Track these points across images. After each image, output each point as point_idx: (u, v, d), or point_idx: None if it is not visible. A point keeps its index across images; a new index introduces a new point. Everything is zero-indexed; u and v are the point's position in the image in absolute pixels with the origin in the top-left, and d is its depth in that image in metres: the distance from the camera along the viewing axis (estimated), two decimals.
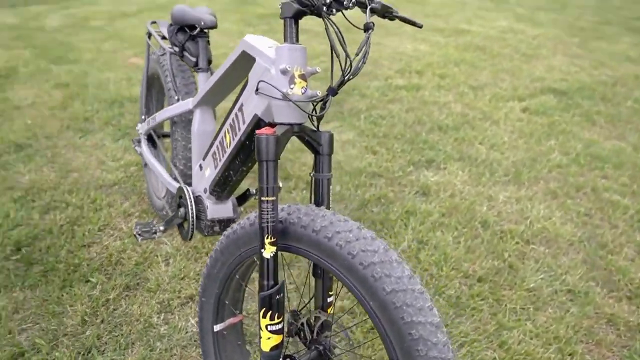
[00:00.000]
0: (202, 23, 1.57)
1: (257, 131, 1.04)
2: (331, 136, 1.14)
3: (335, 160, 2.70)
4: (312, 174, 1.17)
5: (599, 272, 2.01)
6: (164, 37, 1.94)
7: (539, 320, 1.73)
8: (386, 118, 3.26)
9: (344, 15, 1.11)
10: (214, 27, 1.59)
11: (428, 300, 0.93)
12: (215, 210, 1.56)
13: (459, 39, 5.31)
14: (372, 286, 0.93)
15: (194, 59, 1.65)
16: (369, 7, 1.13)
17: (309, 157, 2.73)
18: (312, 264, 1.17)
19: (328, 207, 1.15)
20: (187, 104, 1.64)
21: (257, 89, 1.13)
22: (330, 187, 1.17)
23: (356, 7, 1.13)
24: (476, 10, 6.86)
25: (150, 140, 2.09)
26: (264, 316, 1.03)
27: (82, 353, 1.50)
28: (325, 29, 1.01)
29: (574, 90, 3.99)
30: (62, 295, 1.72)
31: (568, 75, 4.38)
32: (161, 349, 1.54)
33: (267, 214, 1.01)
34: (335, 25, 1.02)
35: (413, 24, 1.30)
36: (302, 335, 1.18)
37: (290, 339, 1.22)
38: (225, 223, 1.58)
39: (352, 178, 2.53)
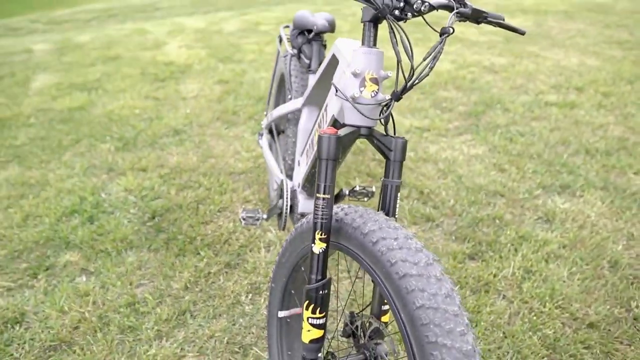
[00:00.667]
0: (316, 27, 1.66)
1: (320, 131, 1.08)
2: (404, 143, 1.12)
3: (457, 174, 2.59)
4: (382, 179, 1.17)
5: None
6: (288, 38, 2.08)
7: None
8: (525, 135, 3.01)
9: (424, 19, 1.09)
10: (326, 31, 1.66)
11: (462, 325, 0.87)
12: (305, 205, 1.64)
13: None
14: (404, 298, 0.91)
15: (307, 61, 1.75)
16: (454, 11, 1.08)
17: (429, 168, 2.67)
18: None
19: (394, 214, 1.14)
20: (298, 102, 1.75)
21: (336, 91, 1.17)
22: (398, 194, 1.16)
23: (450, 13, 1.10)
24: None
25: (271, 134, 2.26)
26: (307, 308, 1.07)
27: (177, 314, 1.71)
28: (390, 32, 1.01)
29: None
30: (176, 262, 1.97)
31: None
32: (242, 325, 1.67)
33: (321, 211, 1.04)
34: (402, 29, 1.01)
35: (514, 30, 1.21)
36: (355, 337, 1.19)
37: (345, 339, 1.24)
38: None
39: (469, 194, 2.41)
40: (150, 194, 2.44)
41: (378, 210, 1.12)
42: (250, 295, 1.81)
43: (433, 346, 0.85)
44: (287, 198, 1.70)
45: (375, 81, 1.09)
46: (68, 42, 5.96)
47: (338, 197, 1.76)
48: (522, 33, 1.23)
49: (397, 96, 1.06)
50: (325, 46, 1.78)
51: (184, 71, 4.41)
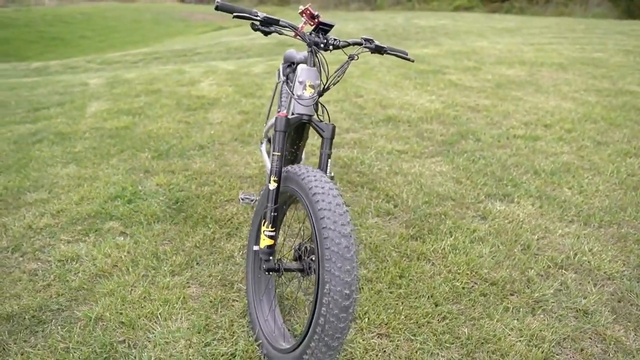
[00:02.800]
0: (296, 61, 2.37)
1: (276, 114, 1.77)
2: (334, 127, 1.79)
3: (419, 183, 3.20)
4: (320, 150, 1.83)
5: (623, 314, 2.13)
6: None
7: (530, 322, 2.00)
8: (487, 159, 3.61)
9: (343, 50, 1.78)
10: (299, 62, 2.36)
11: (345, 219, 1.49)
12: None
13: (618, 99, 5.19)
14: (314, 206, 1.53)
15: (291, 84, 2.45)
16: (362, 46, 1.78)
17: (399, 179, 3.28)
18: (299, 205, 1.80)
19: (325, 172, 1.79)
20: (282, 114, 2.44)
21: (293, 94, 1.86)
22: (329, 160, 1.80)
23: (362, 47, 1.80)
24: None
25: (269, 141, 2.95)
26: (263, 224, 1.71)
27: (187, 262, 2.36)
28: (315, 56, 1.71)
29: None
30: (190, 231, 2.63)
31: None
32: (232, 270, 2.30)
33: (275, 163, 1.71)
34: (323, 56, 1.70)
35: (404, 58, 1.88)
36: (301, 259, 1.80)
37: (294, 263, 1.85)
38: None
39: (425, 196, 3.01)
40: (175, 187, 3.14)
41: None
42: (241, 252, 2.44)
43: (325, 230, 1.47)
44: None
45: (312, 87, 1.77)
46: (117, 78, 6.95)
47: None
48: (412, 60, 1.91)
49: (320, 94, 1.74)
50: None
51: (212, 103, 5.22)
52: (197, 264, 2.36)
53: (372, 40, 1.83)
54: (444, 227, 2.68)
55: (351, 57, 1.73)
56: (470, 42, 9.72)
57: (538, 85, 5.80)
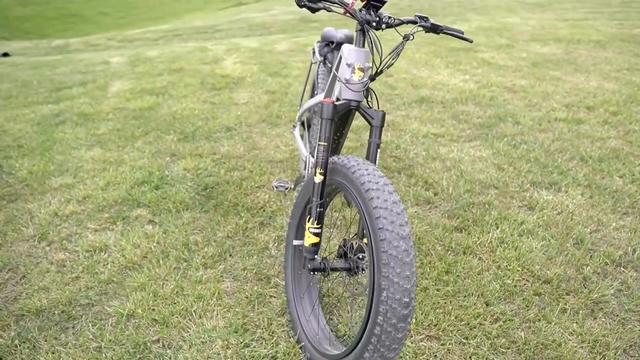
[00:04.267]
0: (336, 40, 2.19)
1: (322, 100, 1.61)
2: (383, 114, 1.63)
3: (459, 169, 3.03)
4: (368, 140, 1.68)
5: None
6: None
7: (587, 325, 1.85)
8: (528, 143, 3.41)
9: (395, 29, 1.61)
10: (345, 42, 2.19)
11: (403, 219, 1.34)
12: None
13: None
14: (367, 203, 1.39)
15: (329, 65, 2.28)
16: (417, 24, 1.60)
17: (437, 165, 3.11)
18: (343, 197, 1.66)
19: (375, 162, 1.64)
20: (321, 96, 2.28)
21: (337, 78, 1.70)
22: (378, 149, 1.65)
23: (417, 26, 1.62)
24: None
25: (303, 125, 2.79)
26: (309, 221, 1.57)
27: (219, 253, 2.24)
28: (369, 37, 1.53)
29: None
30: (221, 220, 2.51)
31: None
32: (268, 263, 2.18)
33: (321, 154, 1.56)
34: (376, 36, 1.53)
35: (463, 38, 1.70)
36: (346, 257, 1.67)
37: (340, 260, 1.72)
38: None
39: (466, 184, 2.84)
40: (204, 172, 3.02)
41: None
42: (276, 244, 2.32)
43: (382, 232, 1.33)
44: (309, 169, 2.22)
45: (362, 70, 1.60)
46: (139, 56, 6.82)
47: None
48: (470, 41, 1.72)
49: (371, 78, 1.57)
50: None
51: (237, 82, 5.06)
52: (230, 255, 2.24)
53: (426, 18, 1.65)
54: (489, 218, 2.52)
55: (406, 37, 1.55)
56: (500, 18, 9.32)
57: (577, 64, 5.50)
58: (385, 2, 1.57)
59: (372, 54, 1.59)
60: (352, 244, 1.63)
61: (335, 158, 1.59)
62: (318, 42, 2.73)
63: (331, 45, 2.31)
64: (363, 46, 1.63)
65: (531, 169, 3.04)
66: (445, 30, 1.66)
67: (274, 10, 12.78)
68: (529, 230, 2.42)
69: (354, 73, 1.60)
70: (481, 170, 3.05)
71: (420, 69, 5.38)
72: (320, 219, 1.58)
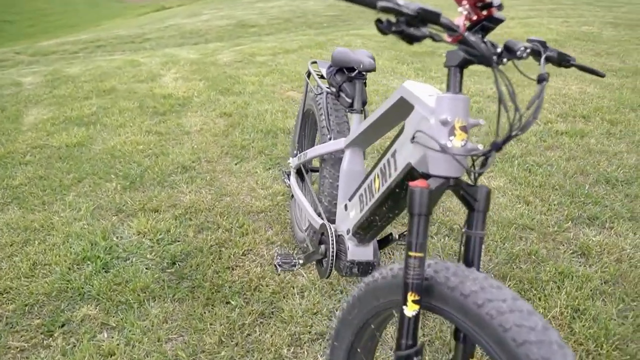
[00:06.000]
0: (361, 66, 1.59)
1: (410, 183, 1.00)
2: (489, 192, 1.04)
3: None
4: (464, 230, 1.08)
5: None
6: (322, 77, 2.01)
7: None
8: (543, 166, 2.98)
9: (515, 66, 1.02)
10: (372, 70, 1.59)
11: None
12: (356, 252, 1.55)
13: (638, 80, 4.71)
14: (518, 355, 0.81)
15: (349, 100, 1.68)
16: (543, 56, 1.03)
17: (454, 202, 2.59)
18: (454, 327, 1.07)
19: (478, 268, 1.06)
20: (339, 143, 1.67)
21: (413, 138, 1.10)
22: (483, 246, 1.07)
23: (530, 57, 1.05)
24: None
25: (299, 174, 2.17)
26: None
27: None
28: (495, 80, 0.94)
29: None
30: (205, 312, 1.83)
31: None
32: None
33: (413, 270, 0.96)
34: (506, 77, 0.94)
35: (594, 72, 1.16)
36: None
37: None
38: (364, 266, 1.56)
39: (499, 229, 2.34)
40: (166, 237, 2.31)
41: (459, 262, 1.04)
42: (292, 348, 1.68)
43: None
44: (332, 244, 1.60)
45: (464, 129, 1.02)
46: (58, 74, 5.82)
47: (387, 242, 1.67)
48: (602, 75, 1.19)
49: (497, 147, 0.98)
50: (365, 84, 1.71)
51: (183, 104, 4.31)
52: None
53: (544, 42, 1.09)
54: (545, 276, 2.02)
55: (544, 79, 0.97)
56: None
57: (548, 67, 5.23)
58: (503, 20, 1.00)
59: (500, 107, 0.99)
60: None
61: (430, 271, 0.99)
62: (313, 62, 2.12)
63: (349, 73, 1.70)
64: (460, 90, 1.04)
65: (561, 200, 2.60)
66: (576, 65, 1.11)
67: (204, 16, 11.82)
68: (597, 289, 1.95)
69: (454, 135, 1.01)
70: (506, 206, 2.56)
71: (388, 78, 4.88)
72: None
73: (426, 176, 1.06)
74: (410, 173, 1.16)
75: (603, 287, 1.96)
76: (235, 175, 2.95)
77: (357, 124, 1.66)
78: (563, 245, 2.24)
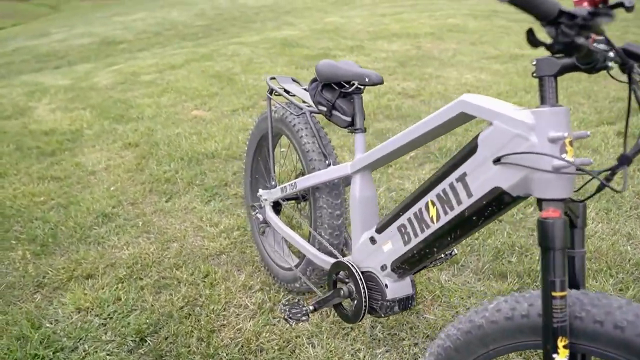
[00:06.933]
0: (367, 79, 1.39)
1: (542, 214, 0.85)
2: (584, 205, 0.94)
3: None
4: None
5: None
6: (285, 91, 1.77)
7: None
8: None
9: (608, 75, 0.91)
10: (380, 82, 1.40)
11: None
12: (396, 289, 1.36)
13: (517, 64, 5.13)
14: None
15: (347, 119, 1.47)
16: None
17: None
18: None
19: (584, 287, 0.96)
20: (344, 168, 1.46)
21: (497, 159, 0.96)
22: (585, 264, 0.97)
23: None
24: (521, 34, 6.70)
25: (276, 206, 1.90)
26: None
27: None
28: (630, 89, 0.82)
29: None
30: None
31: None
32: None
33: (560, 312, 0.83)
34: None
35: None
36: None
37: None
38: (405, 302, 1.39)
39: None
40: (118, 308, 1.88)
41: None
42: None
43: None
44: (362, 284, 1.39)
45: (571, 144, 0.89)
46: None
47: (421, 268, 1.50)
48: None
49: (628, 160, 0.86)
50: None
51: (73, 139, 3.70)
52: None
53: None
54: (538, 265, 2.01)
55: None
56: (321, 19, 9.17)
57: (438, 59, 5.49)
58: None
59: (628, 117, 0.86)
60: None
61: (581, 301, 0.86)
62: (272, 78, 1.87)
63: (340, 89, 1.49)
64: (557, 101, 0.91)
65: None
66: None
67: (56, 35, 10.43)
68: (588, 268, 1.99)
69: (565, 152, 0.87)
70: None
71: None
72: None
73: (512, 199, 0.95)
74: (499, 199, 1.01)
75: (589, 265, 2.01)
76: (172, 215, 2.56)
77: (361, 145, 1.46)
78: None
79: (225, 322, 1.80)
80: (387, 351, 1.65)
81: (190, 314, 1.83)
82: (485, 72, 4.91)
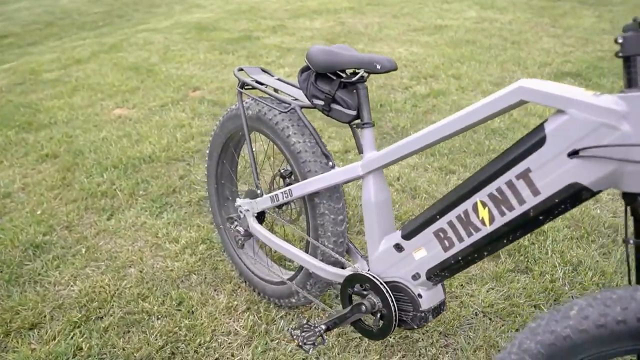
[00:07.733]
0: (379, 67, 1.19)
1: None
2: None
3: (414, 187, 2.38)
4: (632, 241, 0.88)
5: None
6: (259, 83, 1.54)
7: None
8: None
9: None
10: (394, 69, 1.21)
11: None
12: (431, 297, 1.23)
13: (444, 35, 5.16)
14: None
15: (352, 113, 1.27)
16: None
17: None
18: None
19: None
20: (354, 170, 1.27)
21: (575, 152, 0.84)
22: None
23: None
24: (439, 4, 6.77)
25: (260, 216, 1.67)
26: None
27: None
28: None
29: (585, 70, 3.93)
30: None
31: (567, 55, 4.33)
32: None
33: None
34: None
35: None
36: None
37: None
38: (437, 308, 1.25)
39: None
40: (82, 358, 1.57)
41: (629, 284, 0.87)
42: None
43: None
44: (390, 297, 1.23)
45: None
46: None
47: None
48: None
49: None
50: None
51: None
52: None
53: None
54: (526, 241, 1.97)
55: None
56: None
57: (365, 34, 5.37)
58: None
59: None
60: None
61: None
62: (240, 69, 1.63)
63: (338, 79, 1.28)
64: None
65: (478, 162, 2.62)
66: None
67: None
68: (568, 236, 1.99)
69: None
70: (437, 182, 2.46)
71: (224, 73, 4.37)
72: None
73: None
74: (576, 195, 0.89)
75: (572, 234, 2.01)
76: (120, 236, 2.22)
77: (370, 141, 1.28)
78: None
79: (217, 355, 1.56)
80: (403, 356, 1.52)
81: (174, 353, 1.57)
82: (415, 44, 4.88)
